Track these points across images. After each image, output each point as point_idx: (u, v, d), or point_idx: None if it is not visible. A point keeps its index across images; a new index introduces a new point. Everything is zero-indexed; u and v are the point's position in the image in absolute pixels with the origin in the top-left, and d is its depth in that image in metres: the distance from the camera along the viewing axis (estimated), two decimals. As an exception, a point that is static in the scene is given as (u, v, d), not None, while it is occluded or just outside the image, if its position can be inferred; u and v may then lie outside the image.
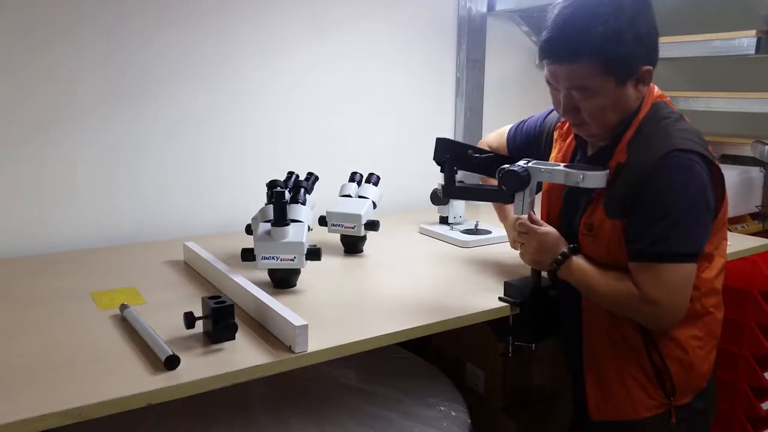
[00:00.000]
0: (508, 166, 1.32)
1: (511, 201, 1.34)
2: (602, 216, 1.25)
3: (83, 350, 1.14)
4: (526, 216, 1.34)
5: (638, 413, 1.29)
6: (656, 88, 1.31)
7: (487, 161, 1.54)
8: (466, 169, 1.57)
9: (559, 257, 1.29)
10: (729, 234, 2.04)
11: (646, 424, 1.29)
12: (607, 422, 1.33)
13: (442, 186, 1.53)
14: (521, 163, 1.33)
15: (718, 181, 1.22)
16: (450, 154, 1.52)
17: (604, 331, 1.31)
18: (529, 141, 1.58)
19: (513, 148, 1.63)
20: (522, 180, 1.30)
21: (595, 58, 1.18)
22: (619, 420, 1.31)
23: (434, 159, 1.56)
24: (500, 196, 1.44)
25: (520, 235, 1.34)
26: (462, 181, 1.60)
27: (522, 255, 1.37)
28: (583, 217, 1.30)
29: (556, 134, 1.48)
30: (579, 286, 1.29)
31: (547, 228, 1.33)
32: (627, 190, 1.20)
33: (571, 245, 1.30)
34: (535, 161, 1.34)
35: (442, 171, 1.56)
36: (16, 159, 1.76)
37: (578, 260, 1.28)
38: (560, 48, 1.21)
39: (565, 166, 1.30)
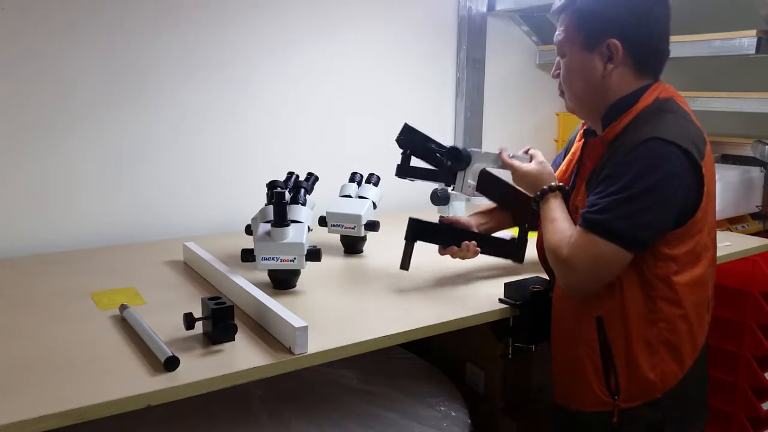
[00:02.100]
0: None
1: (452, 181, 1.52)
2: (585, 195, 1.28)
3: (83, 351, 1.14)
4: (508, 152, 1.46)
5: (582, 405, 1.30)
6: (670, 88, 1.30)
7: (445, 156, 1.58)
8: (424, 159, 1.60)
9: (538, 194, 1.36)
10: (729, 234, 2.06)
11: (586, 418, 1.29)
12: (560, 406, 1.36)
13: (397, 165, 1.58)
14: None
15: (700, 183, 1.19)
16: (405, 137, 1.58)
17: (568, 320, 1.32)
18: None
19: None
20: (462, 157, 1.47)
21: (574, 10, 1.28)
22: (567, 407, 1.34)
23: (396, 140, 1.60)
24: (443, 177, 1.55)
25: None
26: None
27: None
28: (571, 198, 1.35)
29: (577, 137, 1.49)
30: (544, 235, 1.32)
31: (525, 168, 1.40)
32: (604, 168, 1.22)
33: (554, 185, 1.36)
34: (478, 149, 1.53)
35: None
36: (17, 159, 1.76)
37: (553, 202, 1.34)
38: (555, 1, 1.33)
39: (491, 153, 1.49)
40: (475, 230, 1.59)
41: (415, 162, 1.58)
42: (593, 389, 1.27)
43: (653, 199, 1.15)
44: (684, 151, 1.16)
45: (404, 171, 1.58)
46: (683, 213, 1.19)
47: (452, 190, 1.54)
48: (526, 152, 1.45)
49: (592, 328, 1.26)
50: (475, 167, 1.51)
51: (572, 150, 1.47)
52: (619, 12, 1.23)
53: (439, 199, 2.01)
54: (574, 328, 1.30)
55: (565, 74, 1.32)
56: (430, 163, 1.58)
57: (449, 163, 1.50)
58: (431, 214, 2.12)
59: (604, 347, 1.26)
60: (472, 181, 1.50)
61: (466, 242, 1.50)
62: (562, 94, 1.37)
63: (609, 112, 1.28)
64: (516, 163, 1.42)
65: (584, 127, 1.43)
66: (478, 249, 1.52)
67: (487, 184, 1.58)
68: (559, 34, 1.32)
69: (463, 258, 1.53)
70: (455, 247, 1.51)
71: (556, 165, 1.63)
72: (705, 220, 1.23)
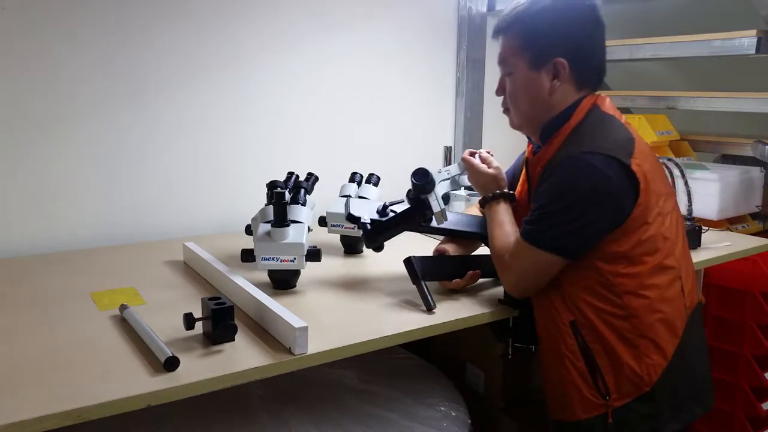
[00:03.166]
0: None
1: (424, 218, 1.46)
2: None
3: (83, 351, 1.14)
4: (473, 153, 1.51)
5: (578, 414, 1.29)
6: (599, 96, 1.35)
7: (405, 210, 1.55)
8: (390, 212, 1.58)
9: (489, 195, 1.44)
10: (729, 234, 2.06)
11: (585, 425, 1.29)
12: (559, 422, 1.36)
13: (365, 237, 1.51)
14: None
15: (633, 181, 1.22)
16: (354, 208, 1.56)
17: (547, 330, 1.33)
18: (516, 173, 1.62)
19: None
20: (429, 176, 1.43)
21: (517, 31, 1.33)
22: (565, 421, 1.33)
23: (347, 218, 1.58)
24: (418, 213, 1.48)
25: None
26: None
27: None
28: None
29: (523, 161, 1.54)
30: (489, 237, 1.40)
31: (484, 169, 1.47)
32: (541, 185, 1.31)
33: (505, 191, 1.44)
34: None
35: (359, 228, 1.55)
36: (17, 159, 1.76)
37: (503, 206, 1.42)
38: (498, 21, 1.38)
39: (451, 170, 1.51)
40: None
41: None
42: (584, 395, 1.28)
43: (578, 210, 1.22)
44: (608, 157, 1.21)
45: (377, 234, 1.49)
46: (620, 213, 1.23)
47: (425, 222, 1.48)
48: (488, 152, 1.52)
49: (570, 334, 1.28)
50: (441, 185, 1.49)
51: (522, 172, 1.51)
52: (564, 31, 1.31)
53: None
54: (554, 338, 1.31)
55: (512, 91, 1.37)
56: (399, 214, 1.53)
57: (416, 182, 1.43)
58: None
59: (585, 350, 1.27)
60: (442, 203, 1.47)
61: (471, 272, 1.47)
62: (506, 111, 1.42)
63: (546, 128, 1.35)
64: (475, 162, 1.49)
65: (530, 148, 1.47)
66: (480, 275, 1.49)
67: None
68: (501, 53, 1.37)
69: (465, 287, 1.49)
70: (459, 280, 1.46)
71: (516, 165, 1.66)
72: (648, 212, 1.25)
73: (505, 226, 1.38)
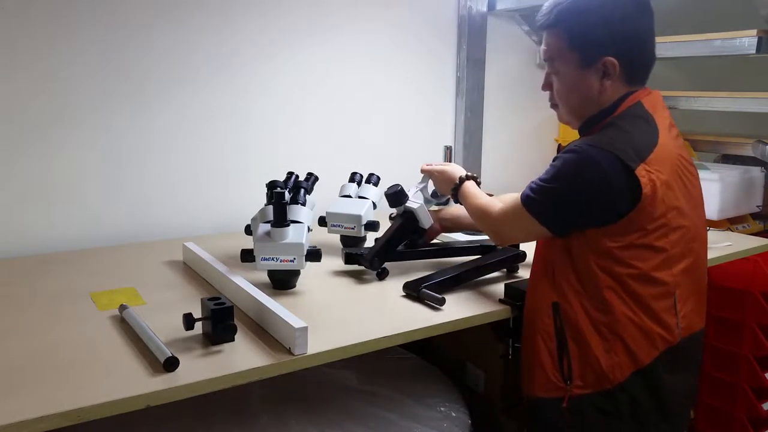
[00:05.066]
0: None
1: (413, 224, 1.61)
2: None
3: (82, 351, 1.14)
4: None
5: (538, 391, 1.32)
6: (649, 94, 1.31)
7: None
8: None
9: (455, 184, 1.52)
10: (729, 234, 2.06)
11: (542, 403, 1.32)
12: (526, 396, 1.39)
13: (372, 262, 1.57)
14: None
15: (634, 185, 1.19)
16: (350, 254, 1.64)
17: (531, 304, 1.35)
18: None
19: None
20: (399, 186, 1.62)
21: (562, 29, 1.29)
22: (529, 395, 1.36)
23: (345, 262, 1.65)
24: (406, 223, 1.62)
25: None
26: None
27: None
28: None
29: None
30: (468, 208, 1.48)
31: (441, 167, 1.60)
32: None
33: (466, 174, 1.54)
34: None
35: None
36: (17, 159, 1.76)
37: (469, 185, 1.51)
38: (541, 14, 1.33)
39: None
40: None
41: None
42: (547, 374, 1.30)
43: (572, 197, 1.23)
44: (615, 156, 1.19)
45: (379, 257, 1.57)
46: (612, 212, 1.21)
47: (415, 228, 1.63)
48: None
49: (548, 314, 1.29)
50: (415, 196, 1.64)
51: None
52: (611, 30, 1.25)
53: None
54: (534, 313, 1.33)
55: (561, 89, 1.34)
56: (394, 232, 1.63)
57: (390, 194, 1.61)
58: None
59: (559, 333, 1.28)
60: (421, 201, 1.63)
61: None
62: (554, 106, 1.39)
63: (588, 121, 1.33)
64: (433, 166, 1.62)
65: None
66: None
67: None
68: (547, 50, 1.33)
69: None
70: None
71: None
72: (648, 221, 1.21)
73: (480, 197, 1.46)
